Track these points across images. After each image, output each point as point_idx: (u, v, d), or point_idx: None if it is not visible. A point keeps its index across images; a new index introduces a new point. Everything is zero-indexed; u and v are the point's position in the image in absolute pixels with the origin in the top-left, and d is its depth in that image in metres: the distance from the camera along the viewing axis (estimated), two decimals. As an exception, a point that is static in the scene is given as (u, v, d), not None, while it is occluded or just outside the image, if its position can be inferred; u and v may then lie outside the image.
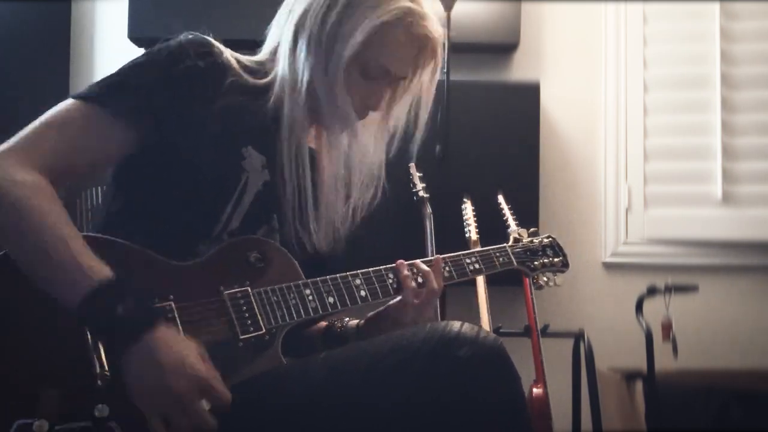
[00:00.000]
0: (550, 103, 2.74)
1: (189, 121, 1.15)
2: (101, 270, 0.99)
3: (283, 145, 1.20)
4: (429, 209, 2.31)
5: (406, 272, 1.26)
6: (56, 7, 2.80)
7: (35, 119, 1.12)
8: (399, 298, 1.25)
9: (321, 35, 1.18)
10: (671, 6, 2.73)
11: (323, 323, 1.38)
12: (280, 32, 1.25)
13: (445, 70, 2.36)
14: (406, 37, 1.20)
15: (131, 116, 1.13)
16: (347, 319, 1.36)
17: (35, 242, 0.99)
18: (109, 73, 1.18)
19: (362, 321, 1.33)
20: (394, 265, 1.27)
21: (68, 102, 1.13)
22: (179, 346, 0.98)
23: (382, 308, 1.28)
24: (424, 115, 1.31)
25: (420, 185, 2.35)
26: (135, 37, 2.62)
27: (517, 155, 2.59)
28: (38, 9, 2.69)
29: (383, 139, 1.32)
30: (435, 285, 1.26)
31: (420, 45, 1.23)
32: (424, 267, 1.28)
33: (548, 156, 2.71)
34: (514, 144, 2.60)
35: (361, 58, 1.19)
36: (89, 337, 0.98)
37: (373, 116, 1.30)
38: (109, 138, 1.13)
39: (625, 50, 2.75)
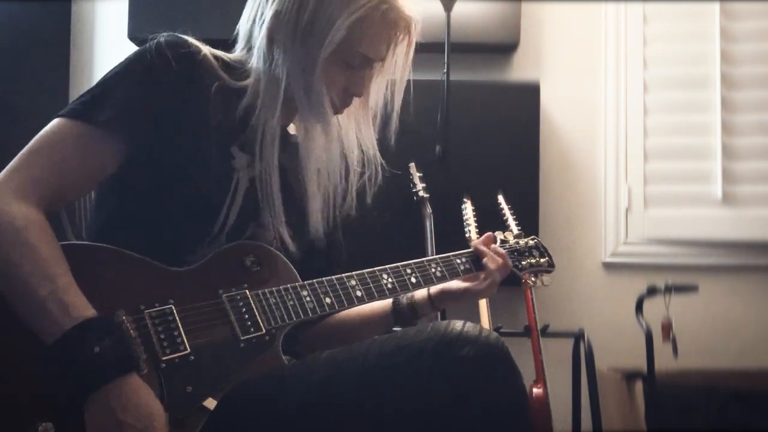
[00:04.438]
0: (550, 103, 2.74)
1: (179, 125, 1.16)
2: (84, 309, 0.97)
3: (259, 143, 1.21)
4: (429, 209, 2.31)
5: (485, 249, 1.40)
6: (56, 7, 2.80)
7: (34, 120, 1.11)
8: (478, 274, 1.38)
9: (295, 35, 1.18)
10: (671, 6, 2.73)
11: (387, 302, 1.39)
12: (249, 31, 1.25)
13: (445, 70, 2.37)
14: (383, 24, 1.22)
15: (118, 127, 1.12)
16: (411, 294, 1.38)
17: (22, 276, 0.98)
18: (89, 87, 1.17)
19: (431, 291, 1.38)
20: (386, 267, 1.29)
21: (55, 122, 1.11)
22: (149, 399, 0.96)
23: (453, 286, 1.37)
24: (399, 95, 1.31)
25: (420, 185, 2.35)
26: (135, 37, 2.62)
27: (517, 155, 2.60)
28: (38, 9, 2.69)
29: (368, 120, 1.34)
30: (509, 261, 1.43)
31: (396, 26, 1.24)
32: (500, 250, 1.41)
33: (548, 156, 2.72)
34: (514, 144, 2.60)
35: (341, 52, 1.20)
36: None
37: (354, 101, 1.31)
38: (100, 152, 1.13)
39: (625, 50, 2.75)
